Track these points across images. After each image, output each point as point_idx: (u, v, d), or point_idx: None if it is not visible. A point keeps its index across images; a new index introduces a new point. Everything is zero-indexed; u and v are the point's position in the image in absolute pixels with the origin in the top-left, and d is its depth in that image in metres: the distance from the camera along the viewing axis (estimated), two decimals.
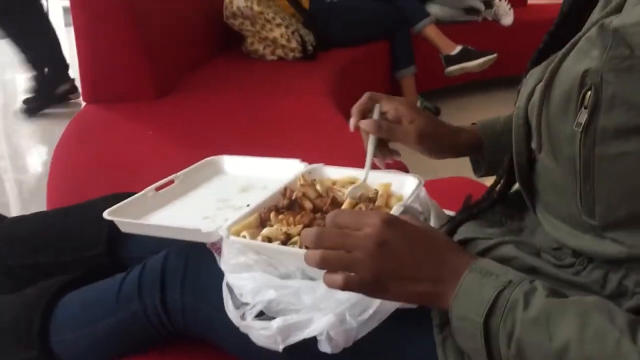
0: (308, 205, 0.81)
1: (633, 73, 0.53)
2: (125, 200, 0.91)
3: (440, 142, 0.88)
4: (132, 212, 0.90)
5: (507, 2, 3.91)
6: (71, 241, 1.01)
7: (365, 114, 0.87)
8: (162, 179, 0.98)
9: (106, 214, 0.86)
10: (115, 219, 0.86)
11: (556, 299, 0.55)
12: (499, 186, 0.81)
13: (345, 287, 0.59)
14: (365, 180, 0.86)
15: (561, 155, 0.62)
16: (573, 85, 0.58)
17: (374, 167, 0.88)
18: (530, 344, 0.54)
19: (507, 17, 3.89)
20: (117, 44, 2.13)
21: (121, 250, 0.99)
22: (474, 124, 0.93)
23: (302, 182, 0.88)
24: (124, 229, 0.87)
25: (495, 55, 3.30)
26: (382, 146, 0.89)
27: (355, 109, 0.86)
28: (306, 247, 0.61)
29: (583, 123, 0.57)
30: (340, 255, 0.59)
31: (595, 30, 0.57)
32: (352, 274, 0.59)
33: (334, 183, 0.92)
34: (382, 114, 0.86)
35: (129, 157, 1.67)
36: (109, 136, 1.88)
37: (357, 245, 0.58)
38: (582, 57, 0.58)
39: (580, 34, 0.61)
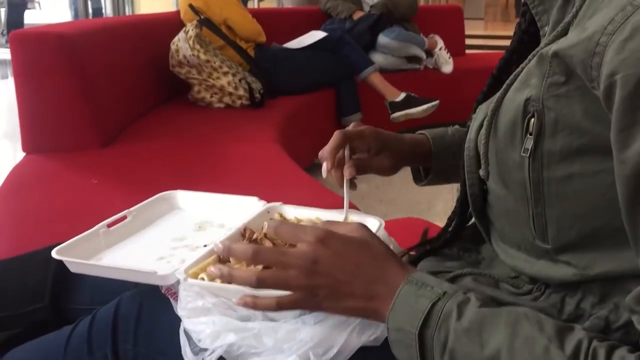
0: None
1: (570, 98, 0.55)
2: (75, 237, 0.86)
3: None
4: (83, 250, 0.85)
5: (446, 51, 4.08)
6: (11, 295, 0.95)
7: (339, 158, 0.83)
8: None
9: (54, 253, 0.82)
10: (65, 259, 0.81)
11: (488, 309, 0.57)
12: (451, 227, 0.82)
13: (278, 307, 0.62)
14: (345, 219, 0.86)
15: (511, 181, 0.63)
16: (517, 114, 0.61)
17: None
18: (462, 353, 0.56)
19: (447, 66, 4.05)
20: (59, 93, 2.08)
21: (68, 301, 0.94)
22: (421, 133, 0.94)
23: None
24: (73, 269, 0.82)
25: (437, 101, 3.41)
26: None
27: (328, 154, 0.81)
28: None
29: (530, 149, 0.59)
30: (275, 274, 0.61)
31: (534, 61, 0.60)
32: (286, 293, 0.62)
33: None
34: (352, 149, 0.86)
35: (74, 206, 1.61)
36: (51, 186, 1.81)
37: (291, 263, 0.61)
38: (522, 87, 0.61)
39: (522, 65, 0.64)
